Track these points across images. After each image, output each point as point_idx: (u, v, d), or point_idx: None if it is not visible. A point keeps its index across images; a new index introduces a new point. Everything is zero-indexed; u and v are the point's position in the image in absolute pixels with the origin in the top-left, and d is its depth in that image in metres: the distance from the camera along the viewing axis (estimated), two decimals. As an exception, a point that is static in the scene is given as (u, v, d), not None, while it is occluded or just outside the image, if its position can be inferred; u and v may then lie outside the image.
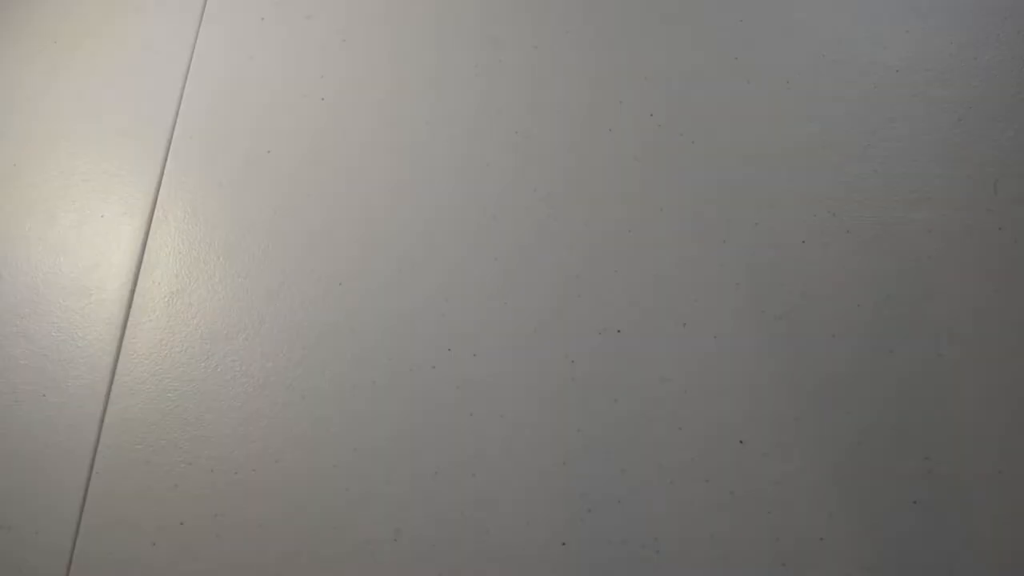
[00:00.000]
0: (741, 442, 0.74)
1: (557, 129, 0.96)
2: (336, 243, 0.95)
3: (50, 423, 0.94)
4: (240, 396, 0.90)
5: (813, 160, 0.87)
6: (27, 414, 0.95)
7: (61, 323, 1.00)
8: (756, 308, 0.81)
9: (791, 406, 0.75)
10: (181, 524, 0.85)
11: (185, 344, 0.94)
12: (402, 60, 1.05)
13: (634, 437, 0.78)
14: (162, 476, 0.88)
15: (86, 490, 0.89)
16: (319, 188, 0.99)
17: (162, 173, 1.05)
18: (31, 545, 0.88)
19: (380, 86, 1.02)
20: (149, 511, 0.87)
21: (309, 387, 0.89)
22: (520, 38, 1.03)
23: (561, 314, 0.86)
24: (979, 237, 0.78)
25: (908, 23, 0.92)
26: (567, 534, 0.76)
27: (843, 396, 0.74)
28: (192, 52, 1.11)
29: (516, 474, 0.80)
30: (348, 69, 1.05)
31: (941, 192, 0.81)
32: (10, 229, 1.07)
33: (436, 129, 0.99)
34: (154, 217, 1.03)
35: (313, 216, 0.97)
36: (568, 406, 0.82)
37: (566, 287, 0.87)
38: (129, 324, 0.97)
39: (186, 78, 1.09)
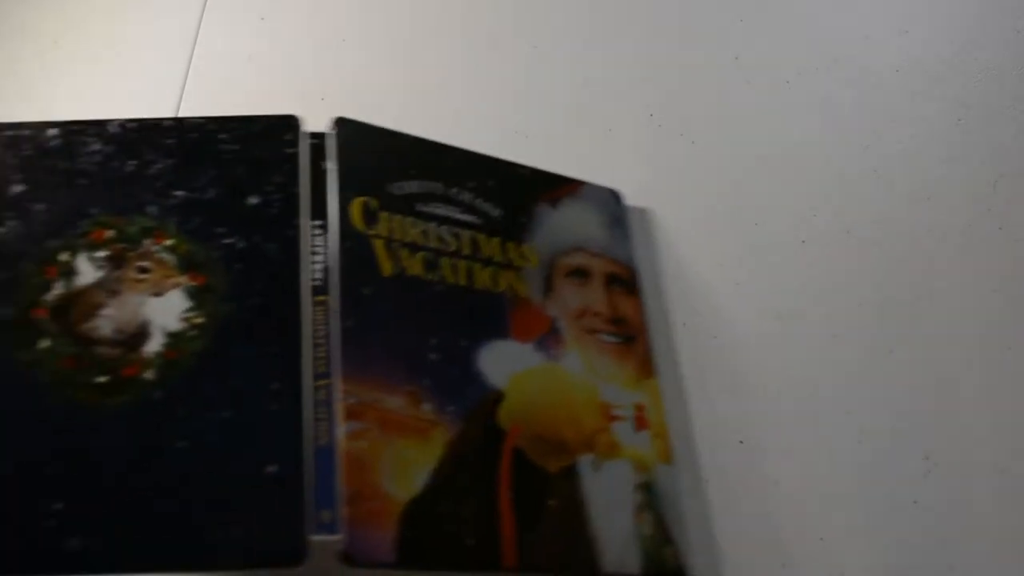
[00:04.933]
0: (741, 442, 0.74)
1: (557, 129, 0.96)
2: (336, 243, 0.95)
3: (50, 423, 0.94)
4: (240, 396, 0.90)
5: (813, 160, 0.87)
6: (27, 414, 0.95)
7: (61, 323, 0.99)
8: (756, 308, 0.81)
9: (792, 406, 0.75)
10: (181, 524, 0.85)
11: (185, 344, 0.94)
12: (402, 60, 1.05)
13: (634, 437, 0.78)
14: (162, 476, 0.88)
15: (86, 490, 0.89)
16: (319, 188, 0.98)
17: (162, 173, 1.05)
18: (31, 545, 0.88)
19: (379, 86, 1.02)
20: (149, 511, 0.86)
21: (309, 387, 0.89)
22: (520, 38, 1.03)
23: (561, 314, 0.85)
24: (979, 237, 0.78)
25: (907, 23, 0.92)
26: (567, 534, 0.76)
27: (843, 396, 0.74)
28: (192, 52, 1.11)
29: (516, 474, 0.80)
30: (348, 69, 1.05)
31: (941, 192, 0.81)
32: (10, 229, 1.07)
33: (436, 129, 0.99)
34: (154, 217, 1.03)
35: (313, 216, 0.97)
36: (568, 406, 0.81)
37: (566, 287, 0.87)
38: (129, 324, 0.97)
39: (186, 78, 1.08)
